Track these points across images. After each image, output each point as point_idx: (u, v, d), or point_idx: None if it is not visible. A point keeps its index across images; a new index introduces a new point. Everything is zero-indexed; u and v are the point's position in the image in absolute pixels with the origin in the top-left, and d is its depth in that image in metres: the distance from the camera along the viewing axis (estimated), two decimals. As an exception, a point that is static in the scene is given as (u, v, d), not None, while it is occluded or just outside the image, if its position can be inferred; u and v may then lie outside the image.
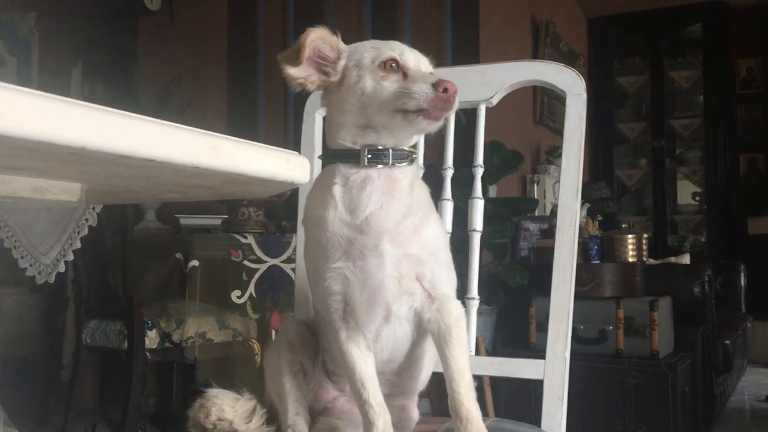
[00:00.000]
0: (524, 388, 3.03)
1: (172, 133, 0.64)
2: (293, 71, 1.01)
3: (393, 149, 1.02)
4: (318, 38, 1.03)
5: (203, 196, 0.95)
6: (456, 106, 0.99)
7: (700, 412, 3.23)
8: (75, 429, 2.85)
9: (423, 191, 1.07)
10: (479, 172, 1.36)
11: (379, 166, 1.01)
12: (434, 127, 1.01)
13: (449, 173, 1.38)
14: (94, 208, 2.06)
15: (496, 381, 3.08)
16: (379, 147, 1.02)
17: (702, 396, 3.25)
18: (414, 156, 1.06)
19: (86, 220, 2.05)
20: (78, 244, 2.08)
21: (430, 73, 1.03)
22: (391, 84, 0.99)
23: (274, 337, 2.83)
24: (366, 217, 1.00)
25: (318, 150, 1.42)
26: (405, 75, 1.00)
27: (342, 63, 1.03)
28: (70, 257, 2.12)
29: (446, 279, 1.06)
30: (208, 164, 0.68)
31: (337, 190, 1.02)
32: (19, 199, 0.77)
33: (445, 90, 0.96)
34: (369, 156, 1.01)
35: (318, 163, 1.42)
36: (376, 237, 0.99)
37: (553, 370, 1.20)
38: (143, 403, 3.34)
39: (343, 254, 1.01)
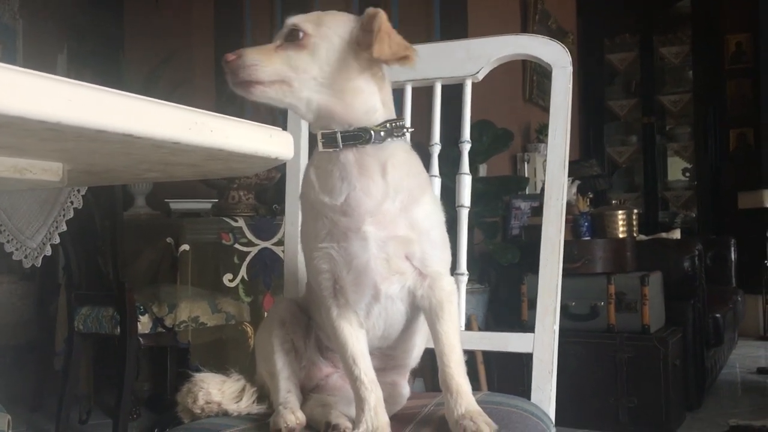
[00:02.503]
0: (517, 365, 3.04)
1: (151, 108, 0.64)
2: None
3: (343, 132, 0.99)
4: None
5: (186, 174, 0.95)
6: (239, 72, 0.94)
7: (692, 385, 3.26)
8: (70, 415, 2.86)
9: (407, 171, 1.02)
10: (466, 147, 1.36)
11: (336, 149, 0.99)
12: (251, 95, 0.96)
13: (436, 149, 1.38)
14: (79, 191, 2.05)
15: (489, 358, 3.10)
16: (332, 130, 0.99)
17: (693, 369, 3.28)
18: (379, 134, 0.99)
19: (71, 202, 2.03)
20: (64, 227, 2.07)
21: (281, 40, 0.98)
22: None
23: (266, 319, 2.83)
24: (345, 199, 0.99)
25: (305, 128, 1.42)
26: None
27: None
28: (56, 240, 2.11)
29: (438, 257, 1.05)
30: (188, 140, 0.68)
31: (312, 172, 1.03)
32: (0, 180, 0.77)
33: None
34: (323, 140, 1.00)
35: (305, 141, 1.42)
36: (358, 219, 0.99)
37: (542, 343, 1.20)
38: (138, 389, 3.35)
39: (328, 234, 1.01)
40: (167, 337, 2.76)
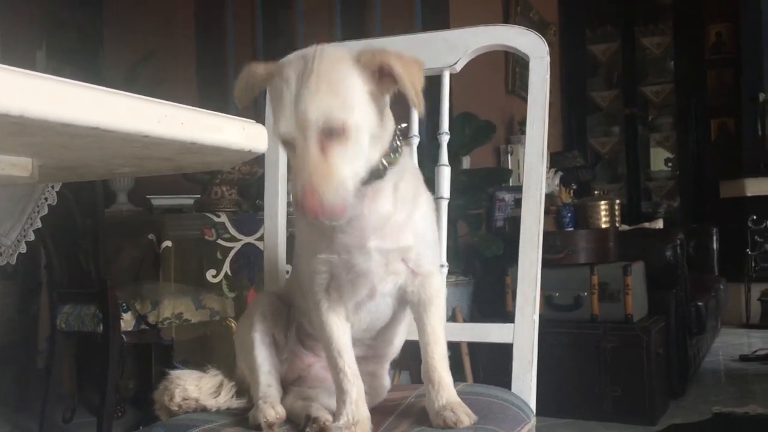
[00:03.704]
0: (503, 357, 3.05)
1: (119, 100, 0.63)
2: None
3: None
4: None
5: (161, 168, 0.94)
6: (336, 212, 0.86)
7: (675, 374, 3.29)
8: (53, 414, 2.84)
9: (410, 182, 1.01)
10: (445, 139, 1.36)
11: None
12: (342, 218, 0.89)
13: (415, 141, 1.38)
14: (53, 187, 2.03)
15: (474, 350, 3.11)
16: None
17: (676, 357, 3.30)
18: (393, 165, 0.97)
19: (45, 199, 2.02)
20: (39, 224, 2.06)
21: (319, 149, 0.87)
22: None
23: (251, 314, 2.82)
24: (349, 221, 0.96)
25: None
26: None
27: None
28: (31, 237, 2.09)
29: (431, 256, 1.07)
30: (158, 133, 0.67)
31: None
32: (-32, 176, 0.76)
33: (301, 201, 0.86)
34: None
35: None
36: (361, 237, 0.98)
37: (522, 334, 1.20)
38: (122, 386, 3.33)
39: (327, 248, 1.01)
40: (151, 334, 2.75)
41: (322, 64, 0.87)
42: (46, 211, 2.04)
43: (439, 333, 1.06)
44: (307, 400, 1.10)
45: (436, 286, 1.07)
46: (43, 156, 0.77)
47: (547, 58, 1.28)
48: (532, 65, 1.29)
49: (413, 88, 0.89)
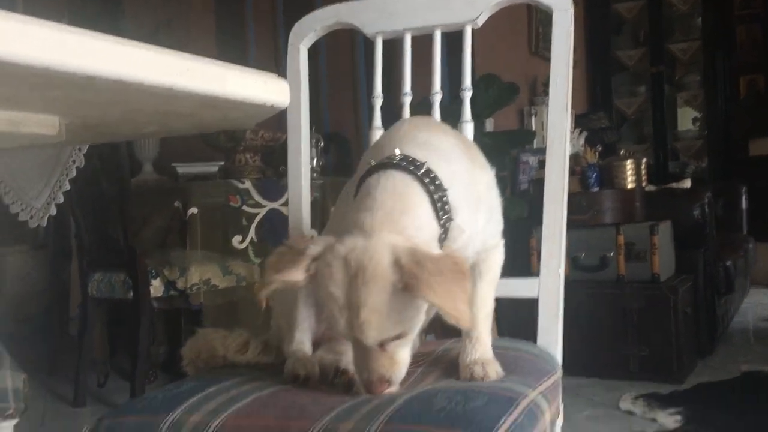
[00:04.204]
0: (528, 319, 3.06)
1: (142, 53, 0.63)
2: None
3: None
4: None
5: (183, 127, 0.95)
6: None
7: (703, 333, 3.27)
8: (87, 379, 2.91)
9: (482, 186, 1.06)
10: (467, 95, 1.34)
11: None
12: None
13: (437, 98, 1.36)
14: (80, 149, 2.06)
15: (500, 307, 3.11)
16: None
17: (704, 317, 3.28)
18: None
19: (73, 161, 2.05)
20: (67, 186, 2.10)
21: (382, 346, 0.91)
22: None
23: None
24: None
25: (305, 77, 1.41)
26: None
27: None
28: (61, 200, 2.13)
29: (498, 231, 1.11)
30: (181, 85, 0.67)
31: None
32: (-3, 135, 0.77)
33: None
34: None
35: (306, 88, 1.41)
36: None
37: (547, 287, 1.20)
38: (153, 352, 3.39)
39: None
40: (180, 300, 2.79)
41: (366, 290, 0.87)
42: (74, 173, 2.07)
43: (489, 297, 1.09)
44: (337, 354, 1.10)
45: (498, 258, 1.10)
46: (69, 114, 0.78)
47: (571, 10, 1.26)
48: (555, 18, 1.26)
49: (454, 313, 0.86)
